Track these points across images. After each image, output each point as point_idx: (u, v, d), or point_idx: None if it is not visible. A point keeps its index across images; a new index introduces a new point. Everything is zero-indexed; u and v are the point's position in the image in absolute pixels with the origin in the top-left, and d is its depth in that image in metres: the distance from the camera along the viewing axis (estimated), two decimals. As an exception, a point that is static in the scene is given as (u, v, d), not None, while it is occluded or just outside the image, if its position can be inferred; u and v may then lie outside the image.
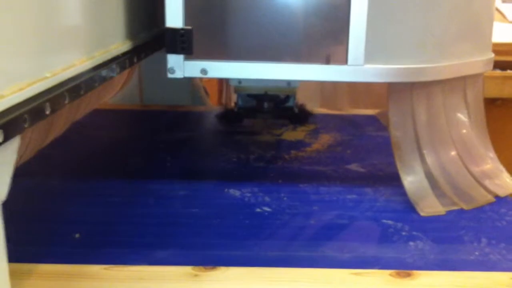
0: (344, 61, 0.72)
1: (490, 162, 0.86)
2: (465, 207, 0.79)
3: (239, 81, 1.05)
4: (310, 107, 1.22)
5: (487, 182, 0.84)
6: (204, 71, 0.73)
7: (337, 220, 0.76)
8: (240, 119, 1.18)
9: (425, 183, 0.80)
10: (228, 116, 1.19)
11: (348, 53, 0.72)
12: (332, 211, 0.78)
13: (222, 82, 1.71)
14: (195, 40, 0.72)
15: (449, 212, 0.78)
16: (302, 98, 1.19)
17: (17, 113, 0.43)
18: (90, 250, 0.66)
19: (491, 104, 1.34)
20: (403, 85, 0.79)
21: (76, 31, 0.59)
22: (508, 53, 1.35)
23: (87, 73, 0.58)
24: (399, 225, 0.74)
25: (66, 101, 0.52)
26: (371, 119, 1.25)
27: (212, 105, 1.47)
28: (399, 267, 0.63)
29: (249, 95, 1.11)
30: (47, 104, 0.48)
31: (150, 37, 0.82)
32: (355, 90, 1.45)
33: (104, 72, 0.62)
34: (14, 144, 0.44)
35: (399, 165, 0.80)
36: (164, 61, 0.72)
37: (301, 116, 1.18)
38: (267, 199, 0.82)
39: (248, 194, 0.83)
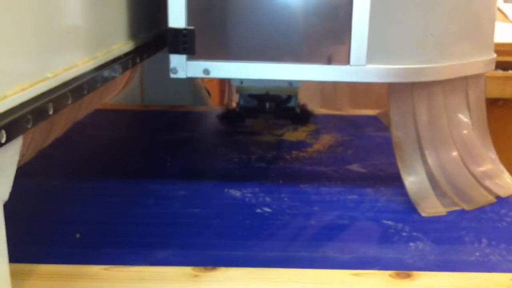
0: (346, 61, 0.72)
1: (491, 163, 0.86)
2: (466, 207, 0.79)
3: (241, 81, 1.05)
4: (311, 108, 1.22)
5: (488, 183, 0.83)
6: (206, 71, 0.73)
7: (337, 220, 0.76)
8: (241, 119, 1.18)
9: (426, 183, 0.80)
10: (230, 116, 1.18)
11: (350, 53, 0.72)
12: (333, 211, 0.78)
13: (224, 82, 1.71)
14: (198, 40, 0.72)
15: (450, 213, 0.78)
16: (302, 99, 1.18)
17: (20, 113, 0.42)
18: (90, 250, 0.66)
19: (493, 104, 1.34)
20: (403, 85, 0.78)
21: (78, 31, 0.59)
22: (510, 53, 1.35)
23: (89, 73, 0.58)
24: (400, 225, 0.74)
25: (69, 102, 0.52)
26: (372, 119, 1.25)
27: (213, 105, 1.47)
28: (399, 268, 0.63)
29: (251, 95, 1.10)
30: (50, 104, 0.47)
31: (152, 38, 0.82)
32: (355, 90, 1.45)
33: (106, 73, 0.62)
34: (16, 145, 0.44)
35: (400, 166, 0.80)
36: (166, 61, 0.72)
37: (303, 117, 1.17)
38: (267, 199, 0.82)
39: (249, 195, 0.83)
